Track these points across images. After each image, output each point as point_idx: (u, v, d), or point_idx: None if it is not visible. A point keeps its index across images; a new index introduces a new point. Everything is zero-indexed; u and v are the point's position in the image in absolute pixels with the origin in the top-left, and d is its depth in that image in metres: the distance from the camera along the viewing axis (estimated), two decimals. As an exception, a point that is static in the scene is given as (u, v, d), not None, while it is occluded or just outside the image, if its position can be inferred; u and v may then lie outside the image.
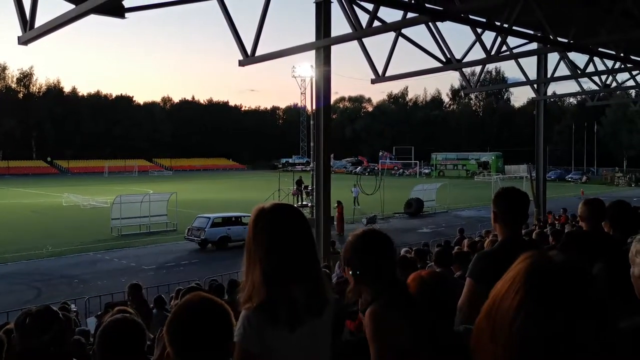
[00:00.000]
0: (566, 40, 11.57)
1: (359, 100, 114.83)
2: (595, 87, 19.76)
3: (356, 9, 9.91)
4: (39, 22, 8.07)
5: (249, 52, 10.12)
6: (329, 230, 13.47)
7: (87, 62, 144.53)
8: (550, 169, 63.23)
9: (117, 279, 16.19)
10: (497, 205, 2.94)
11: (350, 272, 2.27)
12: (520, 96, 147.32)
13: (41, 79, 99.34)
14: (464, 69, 16.05)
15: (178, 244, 23.09)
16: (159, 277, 16.07)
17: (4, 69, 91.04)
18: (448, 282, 2.36)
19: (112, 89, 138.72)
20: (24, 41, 8.22)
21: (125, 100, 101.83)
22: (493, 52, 12.18)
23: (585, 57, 15.94)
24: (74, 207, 36.02)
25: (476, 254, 3.47)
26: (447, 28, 12.30)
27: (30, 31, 8.05)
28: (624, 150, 74.45)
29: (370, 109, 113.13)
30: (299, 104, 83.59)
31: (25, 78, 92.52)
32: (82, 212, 33.90)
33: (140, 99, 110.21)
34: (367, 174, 55.29)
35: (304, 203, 26.94)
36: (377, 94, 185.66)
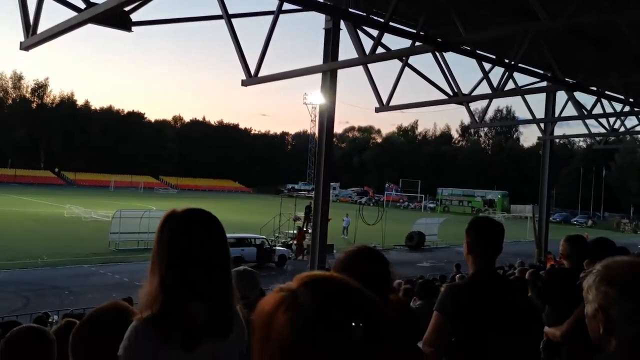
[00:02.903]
0: (574, 81, 11.50)
1: (368, 130, 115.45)
2: (603, 131, 19.64)
3: (362, 35, 9.91)
4: (42, 28, 8.08)
5: (252, 72, 10.10)
6: (324, 254, 13.27)
7: (102, 76, 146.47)
8: (556, 211, 62.84)
9: (108, 293, 15.94)
10: (470, 235, 2.75)
11: None
12: (529, 136, 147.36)
13: (55, 91, 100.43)
14: (473, 107, 16.04)
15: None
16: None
17: (20, 78, 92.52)
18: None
19: (125, 105, 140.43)
20: (25, 46, 8.22)
21: (136, 117, 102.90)
22: (500, 88, 12.14)
23: (594, 100, 15.89)
24: (75, 219, 36.01)
25: (445, 286, 3.30)
26: (456, 63, 12.32)
27: (32, 37, 8.05)
28: (631, 196, 73.94)
29: (379, 140, 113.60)
30: (309, 131, 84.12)
31: (40, 89, 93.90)
32: (82, 225, 33.86)
33: (151, 116, 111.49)
34: (371, 204, 55.09)
35: (308, 230, 26.84)
36: (387, 125, 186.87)
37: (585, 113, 15.93)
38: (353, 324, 0.79)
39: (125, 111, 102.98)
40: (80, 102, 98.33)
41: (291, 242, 27.79)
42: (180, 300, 1.68)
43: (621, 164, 74.93)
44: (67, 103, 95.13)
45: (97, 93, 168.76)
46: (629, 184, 73.94)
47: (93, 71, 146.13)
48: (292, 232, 29.14)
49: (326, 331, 0.78)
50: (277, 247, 25.20)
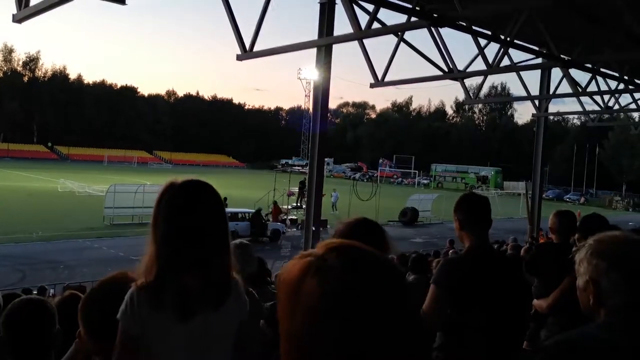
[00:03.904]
0: (569, 57, 11.50)
1: (362, 106, 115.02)
2: (597, 108, 19.68)
3: (358, 10, 9.83)
4: (35, 1, 7.99)
5: (247, 46, 10.04)
6: (318, 230, 13.34)
7: (94, 50, 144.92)
8: (549, 188, 63.14)
9: (103, 267, 16.04)
10: (460, 212, 2.83)
11: None
12: (524, 114, 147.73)
13: (47, 64, 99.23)
14: (468, 83, 16.01)
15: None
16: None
17: (11, 51, 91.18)
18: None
19: (117, 79, 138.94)
20: (18, 19, 8.13)
21: (129, 91, 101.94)
22: (495, 65, 12.12)
23: (589, 78, 15.89)
24: (69, 194, 35.93)
25: (442, 260, 3.37)
26: (451, 39, 12.27)
27: (24, 9, 7.96)
28: (623, 174, 74.33)
29: (373, 115, 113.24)
30: (303, 106, 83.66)
31: (32, 62, 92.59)
32: (76, 199, 33.80)
33: (144, 90, 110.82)
34: (365, 180, 55.15)
35: (302, 206, 26.93)
36: (382, 101, 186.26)
37: (580, 90, 15.94)
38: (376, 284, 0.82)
39: (119, 85, 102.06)
40: (72, 76, 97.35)
41: (285, 217, 27.90)
42: (175, 270, 1.70)
43: (614, 142, 75.08)
44: (59, 77, 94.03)
45: (89, 67, 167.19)
46: (621, 162, 74.23)
47: (85, 45, 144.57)
48: (286, 207, 29.24)
49: (355, 293, 0.80)
50: (271, 222, 25.33)
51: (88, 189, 37.14)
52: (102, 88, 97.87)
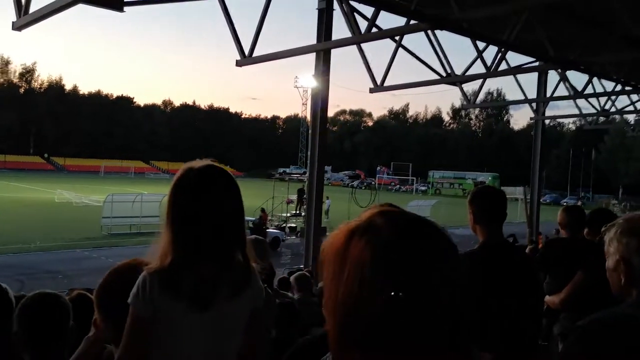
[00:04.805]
0: (566, 60, 11.54)
1: (359, 114, 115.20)
2: (594, 111, 19.76)
3: (356, 16, 9.86)
4: (34, 8, 7.99)
5: (246, 52, 10.05)
6: (319, 237, 13.31)
7: (90, 60, 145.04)
8: (546, 192, 63.25)
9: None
10: (475, 205, 2.78)
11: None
12: (519, 119, 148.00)
13: (43, 75, 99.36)
14: (465, 88, 16.05)
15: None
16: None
17: (7, 63, 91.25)
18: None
19: (113, 89, 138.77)
20: (18, 27, 8.12)
21: (125, 101, 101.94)
22: (493, 68, 12.16)
23: (586, 80, 15.94)
24: (66, 204, 35.80)
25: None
26: (449, 45, 12.33)
27: (24, 17, 7.95)
28: (619, 178, 74.54)
29: (370, 123, 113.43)
30: (300, 115, 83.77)
31: (28, 73, 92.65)
32: (74, 209, 33.68)
33: (140, 100, 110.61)
34: (363, 187, 55.13)
35: (301, 213, 26.93)
36: (379, 108, 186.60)
37: (577, 93, 16.01)
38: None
39: (114, 95, 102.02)
40: (68, 86, 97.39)
41: (284, 224, 27.87)
42: (192, 258, 1.66)
43: (610, 145, 75.37)
44: (56, 88, 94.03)
45: (85, 78, 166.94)
46: (617, 165, 74.47)
47: (81, 55, 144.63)
48: (285, 214, 29.22)
49: (404, 248, 0.81)
50: (271, 230, 25.27)
51: (85, 199, 37.04)
52: (98, 98, 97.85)
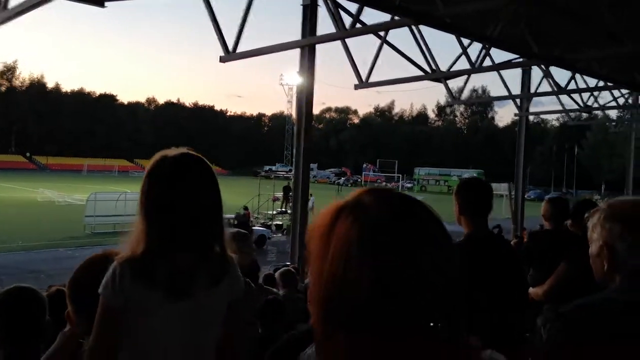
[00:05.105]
0: (550, 56, 11.63)
1: (345, 111, 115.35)
2: (577, 107, 19.95)
3: (341, 12, 9.84)
4: (13, 3, 7.87)
5: (230, 48, 9.97)
6: (305, 233, 13.28)
7: (72, 58, 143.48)
8: (530, 188, 63.82)
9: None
10: (460, 196, 2.77)
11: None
12: (504, 116, 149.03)
13: (24, 73, 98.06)
14: (450, 85, 16.11)
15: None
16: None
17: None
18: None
19: (96, 87, 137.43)
20: (-4, 22, 7.99)
21: (108, 99, 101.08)
22: (478, 64, 12.21)
23: (568, 78, 16.08)
24: (49, 203, 35.40)
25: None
26: (433, 40, 12.35)
27: (3, 12, 7.83)
28: (602, 174, 75.46)
29: (356, 120, 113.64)
30: (285, 112, 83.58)
31: (9, 72, 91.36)
32: (56, 209, 33.32)
33: (124, 98, 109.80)
34: (349, 185, 55.24)
35: (287, 210, 26.92)
36: (364, 106, 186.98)
37: (561, 88, 16.14)
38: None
39: (97, 93, 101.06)
40: (50, 85, 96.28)
41: (270, 222, 27.81)
42: (166, 247, 1.62)
43: (593, 142, 76.27)
44: (37, 86, 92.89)
45: (67, 76, 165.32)
46: (600, 162, 75.37)
47: (62, 53, 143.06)
48: (271, 212, 29.17)
49: (392, 226, 0.78)
50: (257, 227, 25.19)
51: (68, 198, 36.65)
52: (80, 96, 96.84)
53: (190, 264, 1.65)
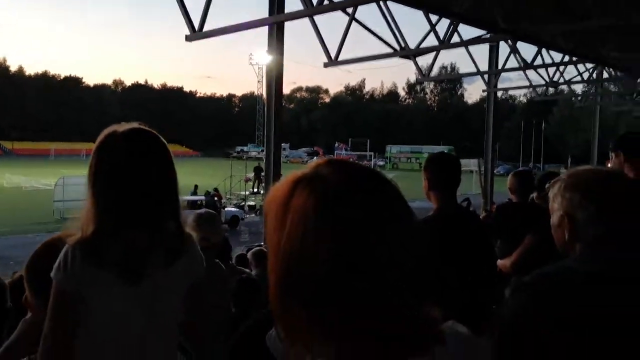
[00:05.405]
0: (516, 31, 11.73)
1: (316, 90, 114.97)
2: (543, 82, 20.22)
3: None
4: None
5: (196, 27, 9.77)
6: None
7: (35, 40, 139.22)
8: (499, 164, 64.80)
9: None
10: (429, 171, 2.78)
11: None
12: (473, 93, 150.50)
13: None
14: (420, 63, 16.14)
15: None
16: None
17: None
18: None
19: (61, 70, 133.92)
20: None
21: (74, 82, 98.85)
22: (445, 41, 12.24)
23: (534, 53, 16.24)
24: (16, 189, 34.63)
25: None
26: (402, 17, 12.34)
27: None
28: (569, 149, 76.98)
29: (327, 100, 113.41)
30: (256, 92, 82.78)
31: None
32: (24, 194, 32.64)
33: (90, 80, 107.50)
34: (321, 164, 55.18)
35: (260, 191, 26.82)
36: (335, 85, 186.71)
37: (528, 64, 16.32)
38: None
39: (62, 76, 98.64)
40: (13, 68, 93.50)
41: (243, 203, 27.70)
42: (116, 224, 1.56)
43: (559, 117, 77.65)
44: (0, 69, 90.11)
45: (31, 58, 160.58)
46: (566, 136, 76.86)
47: (25, 35, 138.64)
48: (243, 193, 29.05)
49: (350, 198, 0.76)
50: (229, 208, 25.07)
51: (35, 183, 35.87)
52: (45, 79, 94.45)
53: (145, 243, 1.60)
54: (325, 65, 12.94)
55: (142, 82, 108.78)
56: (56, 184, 25.74)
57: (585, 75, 20.35)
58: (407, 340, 0.76)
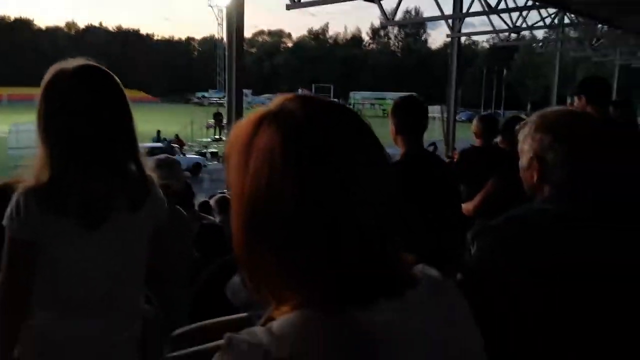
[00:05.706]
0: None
1: (278, 34, 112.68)
2: (506, 28, 20.22)
3: None
4: None
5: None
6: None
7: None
8: (461, 110, 65.52)
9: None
10: (396, 116, 2.77)
11: None
12: (437, 39, 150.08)
13: None
14: (384, 6, 15.83)
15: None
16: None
17: None
18: None
19: (10, 11, 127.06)
20: None
21: (24, 24, 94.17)
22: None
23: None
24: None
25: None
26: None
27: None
28: (529, 95, 78.23)
29: (290, 44, 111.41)
30: (216, 36, 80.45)
31: None
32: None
33: (41, 23, 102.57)
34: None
35: (222, 137, 26.48)
36: (298, 29, 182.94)
37: (490, 9, 16.24)
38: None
39: (12, 18, 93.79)
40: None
41: (205, 150, 27.38)
42: (73, 169, 1.49)
43: (520, 63, 78.51)
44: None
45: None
46: (527, 82, 77.99)
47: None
48: (205, 139, 28.67)
49: (318, 133, 0.72)
50: (191, 155, 24.75)
51: (-14, 130, 34.52)
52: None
53: (104, 186, 1.53)
54: (288, 7, 12.56)
55: (96, 24, 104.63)
56: (10, 131, 24.83)
57: (548, 21, 20.42)
58: (380, 283, 0.73)
